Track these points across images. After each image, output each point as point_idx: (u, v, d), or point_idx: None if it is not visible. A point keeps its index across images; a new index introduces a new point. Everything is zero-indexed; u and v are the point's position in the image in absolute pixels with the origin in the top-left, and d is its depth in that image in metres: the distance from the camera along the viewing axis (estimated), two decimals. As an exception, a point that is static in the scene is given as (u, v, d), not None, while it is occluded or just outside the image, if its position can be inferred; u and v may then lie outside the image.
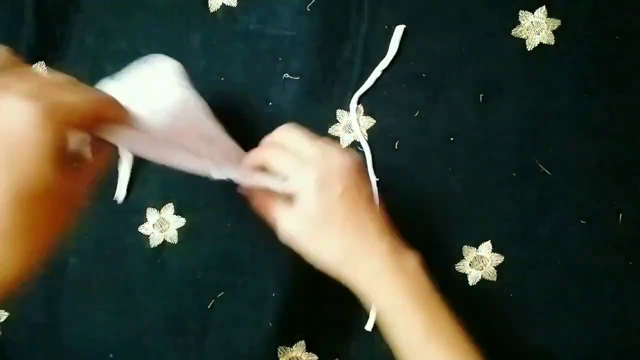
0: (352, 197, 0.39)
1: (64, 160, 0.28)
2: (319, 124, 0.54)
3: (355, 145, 0.54)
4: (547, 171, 0.54)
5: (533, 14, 0.55)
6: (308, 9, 0.55)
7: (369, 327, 0.52)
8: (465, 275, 0.54)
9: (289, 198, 0.41)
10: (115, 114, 0.34)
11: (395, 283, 0.38)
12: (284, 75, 0.54)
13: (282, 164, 0.40)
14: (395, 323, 0.38)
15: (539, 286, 0.54)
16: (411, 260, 0.40)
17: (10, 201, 0.25)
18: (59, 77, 0.32)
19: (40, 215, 0.27)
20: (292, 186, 0.40)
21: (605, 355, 0.53)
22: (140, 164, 0.54)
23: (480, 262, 0.54)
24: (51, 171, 0.26)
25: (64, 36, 0.54)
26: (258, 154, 0.43)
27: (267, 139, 0.44)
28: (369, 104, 0.54)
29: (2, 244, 0.25)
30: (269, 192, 0.42)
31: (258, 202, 0.43)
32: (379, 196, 0.47)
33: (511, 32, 0.55)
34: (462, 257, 0.54)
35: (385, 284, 0.38)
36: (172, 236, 0.54)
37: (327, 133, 0.54)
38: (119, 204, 0.54)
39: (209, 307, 0.53)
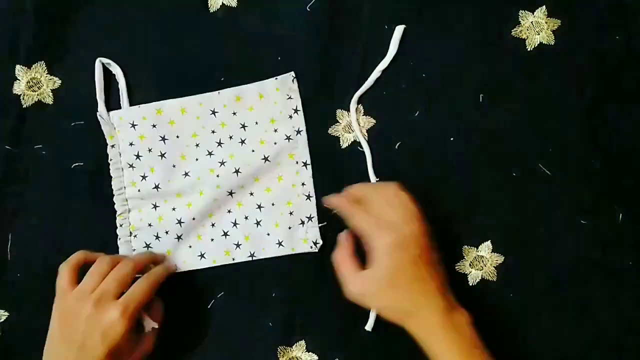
0: (421, 262, 0.45)
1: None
2: (319, 123, 0.54)
3: (355, 145, 0.54)
4: (547, 171, 0.54)
5: (533, 14, 0.55)
6: (308, 9, 0.55)
7: (369, 327, 0.52)
8: (465, 275, 0.54)
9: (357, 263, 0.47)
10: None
11: (446, 337, 0.44)
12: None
13: (362, 224, 0.46)
14: None
15: (539, 286, 0.54)
16: (462, 318, 0.45)
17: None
18: (124, 267, 0.48)
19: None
20: (369, 245, 0.45)
21: (605, 355, 0.53)
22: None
23: (480, 262, 0.54)
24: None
25: (64, 36, 0.54)
26: (340, 205, 0.49)
27: (351, 191, 0.49)
28: (369, 104, 0.54)
29: None
30: (347, 251, 0.48)
31: (336, 257, 0.48)
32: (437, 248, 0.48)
33: (511, 32, 0.55)
34: (462, 257, 0.54)
35: (438, 336, 0.44)
36: (172, 236, 0.54)
37: (327, 133, 0.54)
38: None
39: (209, 307, 0.53)
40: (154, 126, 0.52)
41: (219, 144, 0.53)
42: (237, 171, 0.52)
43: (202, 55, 0.54)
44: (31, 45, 0.54)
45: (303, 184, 0.53)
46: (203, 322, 0.53)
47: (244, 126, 0.53)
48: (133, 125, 0.52)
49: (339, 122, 0.55)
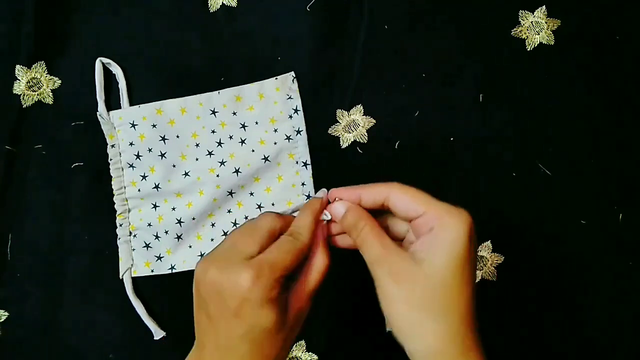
0: (474, 264, 0.32)
1: (279, 300, 0.33)
2: (319, 124, 0.54)
3: (355, 145, 0.54)
4: (547, 171, 0.54)
5: (533, 14, 0.55)
6: (308, 9, 0.55)
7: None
8: (465, 275, 0.54)
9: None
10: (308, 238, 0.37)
11: None
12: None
13: (417, 195, 0.33)
14: None
15: (539, 286, 0.54)
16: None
17: (246, 343, 0.32)
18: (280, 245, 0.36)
19: (267, 344, 0.33)
20: (432, 221, 0.31)
21: (605, 355, 0.53)
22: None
23: (480, 262, 0.54)
24: (269, 312, 0.32)
25: (64, 36, 0.54)
26: (374, 185, 0.36)
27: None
28: (369, 104, 0.54)
29: None
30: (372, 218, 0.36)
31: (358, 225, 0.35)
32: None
33: (511, 32, 0.55)
34: (462, 257, 0.54)
35: None
36: (172, 236, 0.54)
37: (327, 133, 0.54)
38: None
39: (209, 307, 0.53)
40: (154, 126, 0.52)
41: (219, 143, 0.53)
42: (237, 171, 0.52)
43: (202, 55, 0.54)
44: (31, 45, 0.54)
45: (303, 184, 0.53)
46: (203, 322, 0.53)
47: (244, 126, 0.53)
48: (133, 125, 0.52)
49: (339, 122, 0.55)
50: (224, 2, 0.55)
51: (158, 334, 0.52)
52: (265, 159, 0.53)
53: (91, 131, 0.53)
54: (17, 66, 0.53)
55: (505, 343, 0.53)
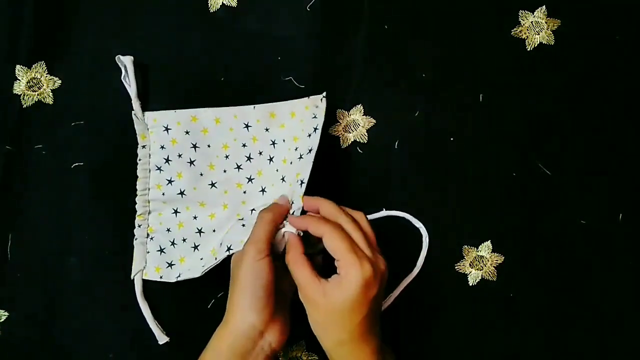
0: (374, 304, 0.43)
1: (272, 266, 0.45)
2: (319, 124, 0.54)
3: (355, 145, 0.54)
4: (547, 171, 0.54)
5: (533, 14, 0.55)
6: (308, 9, 0.55)
7: None
8: (465, 275, 0.54)
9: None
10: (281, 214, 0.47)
11: None
12: (283, 76, 0.54)
13: (339, 245, 0.42)
14: None
15: (539, 286, 0.54)
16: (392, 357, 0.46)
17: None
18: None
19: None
20: (341, 270, 0.42)
21: (605, 355, 0.53)
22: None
23: (480, 262, 0.54)
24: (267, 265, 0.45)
25: (64, 36, 0.54)
26: (319, 222, 0.44)
27: (332, 209, 0.45)
28: (369, 104, 0.54)
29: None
30: (300, 252, 0.45)
31: (291, 258, 0.45)
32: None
33: (511, 32, 0.55)
34: (462, 257, 0.54)
35: None
36: (172, 236, 0.54)
37: (327, 133, 0.54)
38: (122, 206, 0.54)
39: (209, 307, 0.53)
40: (187, 132, 0.52)
41: (249, 158, 0.53)
42: (263, 190, 0.52)
43: (202, 55, 0.54)
44: (31, 45, 0.54)
45: (292, 202, 0.49)
46: (203, 322, 0.53)
47: (274, 143, 0.53)
48: (166, 129, 0.52)
49: (339, 122, 0.55)
50: (224, 2, 0.55)
51: (162, 339, 0.52)
52: (282, 179, 0.52)
53: (91, 131, 0.53)
54: (17, 66, 0.53)
55: (504, 342, 0.53)
